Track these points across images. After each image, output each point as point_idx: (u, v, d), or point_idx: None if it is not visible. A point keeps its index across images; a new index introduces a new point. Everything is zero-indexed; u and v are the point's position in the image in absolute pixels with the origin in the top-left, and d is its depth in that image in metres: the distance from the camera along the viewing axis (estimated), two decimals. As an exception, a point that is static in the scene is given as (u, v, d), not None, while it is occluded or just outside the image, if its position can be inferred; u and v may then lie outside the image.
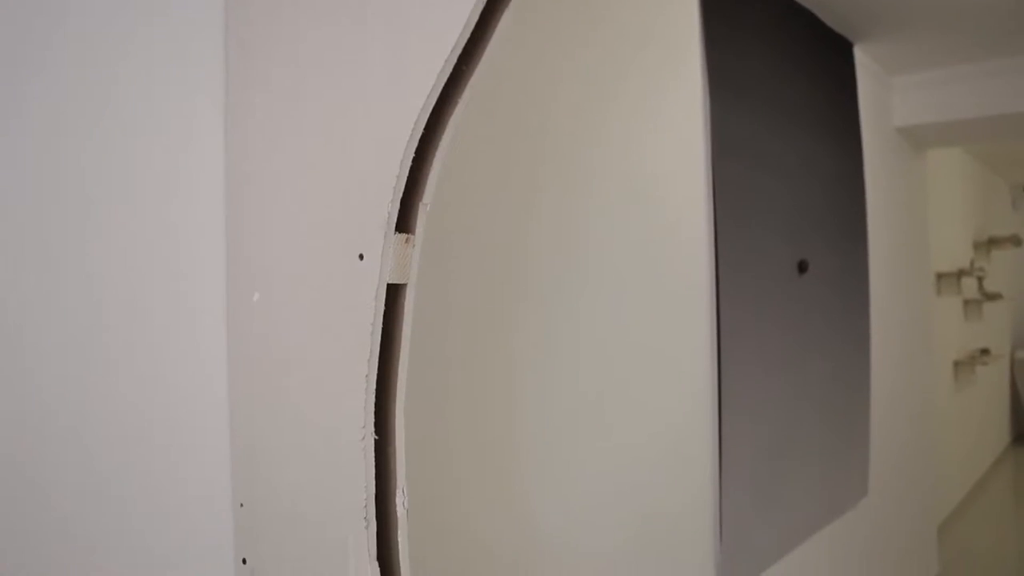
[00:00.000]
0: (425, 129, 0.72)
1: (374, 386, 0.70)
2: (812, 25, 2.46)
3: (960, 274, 4.62)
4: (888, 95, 3.23)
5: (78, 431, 0.80)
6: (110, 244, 0.80)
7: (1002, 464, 6.01)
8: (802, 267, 2.23)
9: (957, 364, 4.80)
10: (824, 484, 2.37)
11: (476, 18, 0.69)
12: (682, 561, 1.73)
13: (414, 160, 0.72)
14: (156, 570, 0.87)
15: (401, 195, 0.72)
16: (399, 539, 0.74)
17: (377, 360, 0.70)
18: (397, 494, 0.74)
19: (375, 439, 0.72)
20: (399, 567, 0.74)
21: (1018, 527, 4.43)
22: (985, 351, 5.24)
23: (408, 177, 0.72)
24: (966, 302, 5.12)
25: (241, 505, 0.91)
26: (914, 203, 3.54)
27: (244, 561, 0.92)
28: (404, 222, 0.73)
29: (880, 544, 2.92)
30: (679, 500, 1.73)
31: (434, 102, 0.71)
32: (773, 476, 2.06)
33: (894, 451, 3.06)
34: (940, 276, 4.46)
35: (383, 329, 0.72)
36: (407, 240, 0.73)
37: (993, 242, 5.57)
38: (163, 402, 0.86)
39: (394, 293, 0.73)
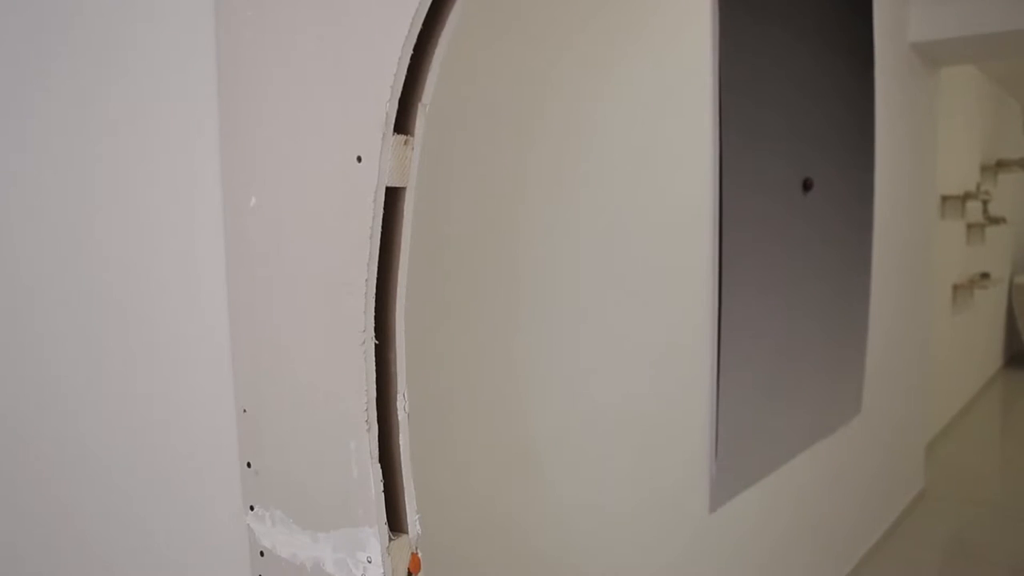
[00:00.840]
0: (423, 26, 0.69)
1: (374, 291, 0.70)
2: (829, -69, 2.34)
3: (965, 197, 4.58)
4: (904, 9, 3.11)
5: (81, 326, 0.80)
6: (103, 154, 0.78)
7: (992, 386, 6.12)
8: (807, 185, 2.20)
9: (956, 288, 4.82)
10: (818, 402, 2.41)
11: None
12: (678, 473, 1.78)
13: (412, 58, 0.70)
14: (162, 476, 0.88)
15: (399, 95, 0.69)
16: (400, 443, 0.75)
17: (376, 264, 0.70)
18: (398, 399, 0.74)
19: (375, 344, 0.72)
20: (401, 470, 0.76)
21: (1003, 447, 4.55)
22: (985, 275, 5.25)
23: (406, 76, 0.70)
24: (969, 226, 5.10)
25: (244, 411, 0.93)
26: (924, 123, 3.46)
27: (249, 465, 0.94)
28: (403, 123, 0.70)
29: (869, 460, 2.99)
30: (677, 414, 1.76)
31: (432, -2, 0.67)
32: (769, 393, 2.09)
33: (888, 371, 3.10)
34: (945, 199, 4.42)
35: (382, 233, 0.71)
36: (406, 142, 0.71)
37: (1001, 165, 5.50)
38: (163, 308, 0.86)
39: (393, 196, 0.72)
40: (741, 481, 2.02)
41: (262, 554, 0.94)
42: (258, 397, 0.89)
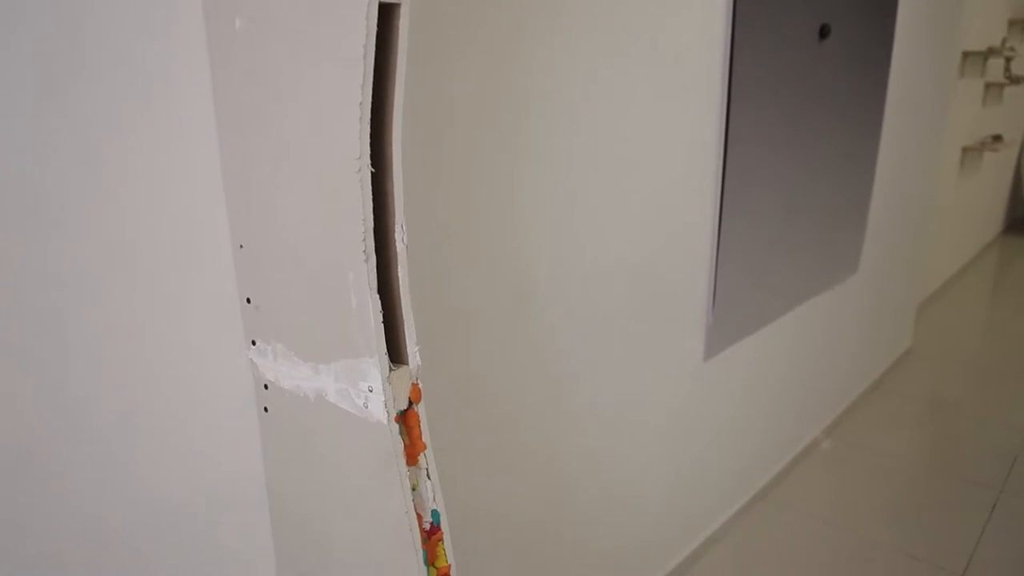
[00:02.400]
0: None
1: (368, 115, 0.66)
2: None
3: (988, 53, 4.38)
4: None
5: (80, 154, 0.77)
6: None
7: (989, 251, 6.15)
8: (823, 32, 2.09)
9: (966, 150, 4.72)
10: (818, 258, 2.42)
11: None
12: (674, 322, 1.81)
13: None
14: (163, 314, 0.89)
15: None
16: (399, 274, 0.74)
17: (371, 87, 0.66)
18: (396, 229, 0.73)
19: (371, 171, 0.69)
20: (400, 302, 0.76)
21: (991, 311, 4.63)
22: (997, 138, 5.12)
23: None
24: (988, 85, 4.91)
25: (241, 247, 0.92)
26: (954, -31, 3.25)
27: (248, 300, 0.94)
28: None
29: (860, 317, 3.05)
30: (676, 264, 1.76)
31: None
32: (770, 247, 2.09)
33: (888, 231, 3.09)
34: (966, 55, 4.22)
35: (376, 54, 0.67)
36: (400, -50, 0.65)
37: (1030, 20, 5.21)
38: (153, 140, 0.82)
39: (387, 13, 0.67)
40: (736, 332, 2.06)
41: (266, 387, 0.97)
42: (253, 232, 0.87)
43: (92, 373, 0.84)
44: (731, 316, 2.01)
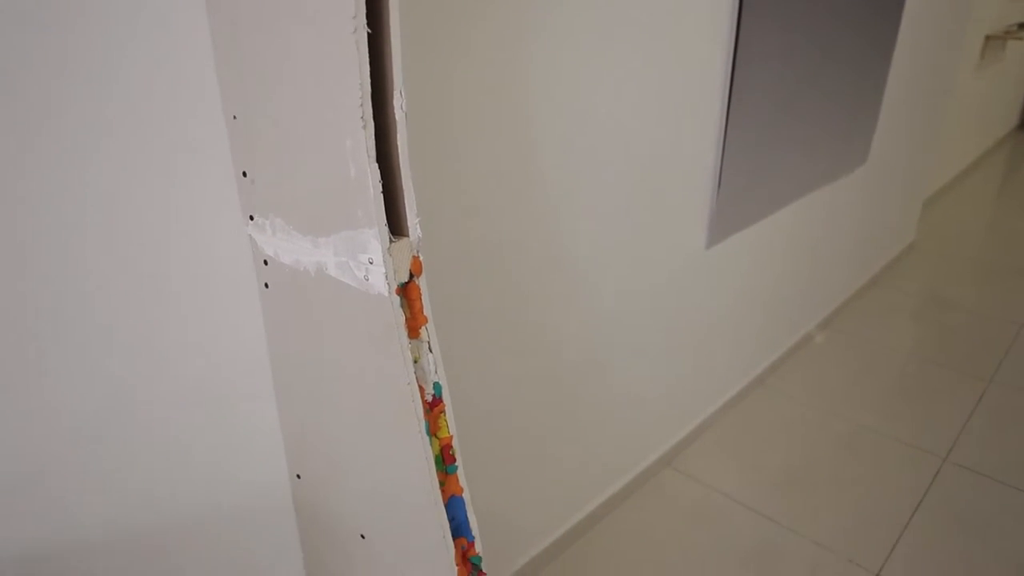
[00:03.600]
0: None
1: (363, -33, 0.62)
2: None
3: (1022, -69, 4.12)
4: None
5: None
6: None
7: (1002, 146, 6.03)
8: (852, -99, 1.95)
9: (989, 39, 4.52)
10: (827, 147, 2.36)
11: None
12: (679, 210, 1.78)
13: None
14: (156, 189, 0.87)
15: None
16: (398, 143, 0.72)
17: (365, -66, 0.61)
18: (395, 96, 0.70)
19: (368, 32, 0.66)
20: (400, 172, 0.74)
21: (998, 208, 4.58)
22: (1023, 26, 4.90)
23: None
24: (1017, -32, 4.65)
25: (234, 117, 0.89)
26: None
27: (244, 174, 0.92)
28: None
29: (866, 210, 3.02)
30: (682, 151, 1.72)
31: None
32: (778, 136, 2.03)
33: (901, 123, 3.01)
34: (999, -68, 3.98)
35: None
36: None
37: None
38: (141, 15, 0.78)
39: None
40: (739, 221, 2.04)
41: (266, 263, 0.96)
42: (247, 101, 0.84)
43: (88, 259, 0.83)
44: (735, 204, 1.98)
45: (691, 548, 1.88)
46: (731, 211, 1.98)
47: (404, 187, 0.73)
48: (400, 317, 0.78)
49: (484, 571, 0.92)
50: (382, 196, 0.72)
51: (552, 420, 1.67)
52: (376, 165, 0.70)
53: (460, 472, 0.86)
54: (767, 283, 2.41)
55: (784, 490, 2.08)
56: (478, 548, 0.90)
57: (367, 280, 0.78)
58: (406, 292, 0.79)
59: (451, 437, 0.85)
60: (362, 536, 1.02)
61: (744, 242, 2.14)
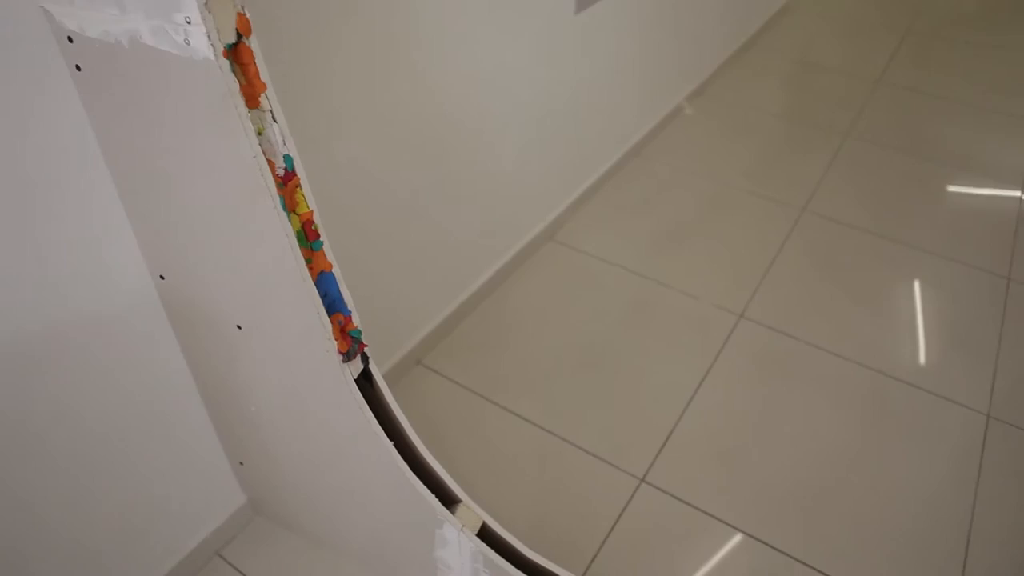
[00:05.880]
0: None
1: None
2: None
3: None
4: None
5: None
6: None
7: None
8: None
9: None
10: None
11: None
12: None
13: None
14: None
15: None
16: None
17: None
18: None
19: None
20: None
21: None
22: None
23: None
24: None
25: None
26: None
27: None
28: None
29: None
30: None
31: None
32: None
33: None
34: None
35: None
36: None
37: None
38: None
39: None
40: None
41: (71, 40, 0.84)
42: None
43: None
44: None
45: (574, 310, 2.00)
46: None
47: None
48: (234, 84, 0.71)
49: (365, 343, 0.94)
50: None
51: (433, 198, 1.65)
52: None
53: (327, 247, 0.84)
54: (639, 49, 2.37)
55: (657, 251, 2.21)
56: (355, 321, 0.91)
57: (188, 44, 0.69)
58: (236, 55, 0.71)
59: (311, 212, 0.81)
60: (239, 327, 1.01)
61: (614, 6, 2.06)
